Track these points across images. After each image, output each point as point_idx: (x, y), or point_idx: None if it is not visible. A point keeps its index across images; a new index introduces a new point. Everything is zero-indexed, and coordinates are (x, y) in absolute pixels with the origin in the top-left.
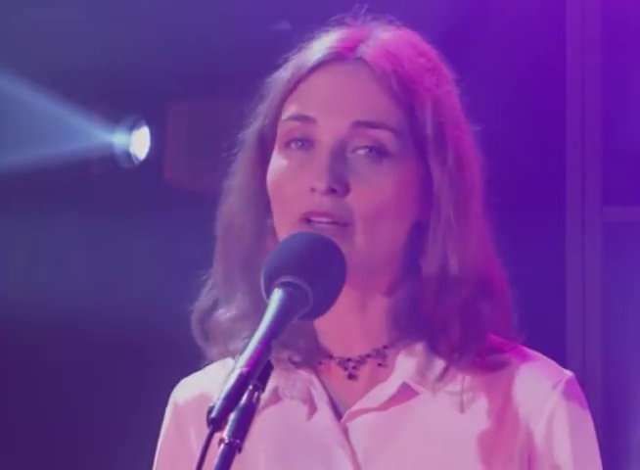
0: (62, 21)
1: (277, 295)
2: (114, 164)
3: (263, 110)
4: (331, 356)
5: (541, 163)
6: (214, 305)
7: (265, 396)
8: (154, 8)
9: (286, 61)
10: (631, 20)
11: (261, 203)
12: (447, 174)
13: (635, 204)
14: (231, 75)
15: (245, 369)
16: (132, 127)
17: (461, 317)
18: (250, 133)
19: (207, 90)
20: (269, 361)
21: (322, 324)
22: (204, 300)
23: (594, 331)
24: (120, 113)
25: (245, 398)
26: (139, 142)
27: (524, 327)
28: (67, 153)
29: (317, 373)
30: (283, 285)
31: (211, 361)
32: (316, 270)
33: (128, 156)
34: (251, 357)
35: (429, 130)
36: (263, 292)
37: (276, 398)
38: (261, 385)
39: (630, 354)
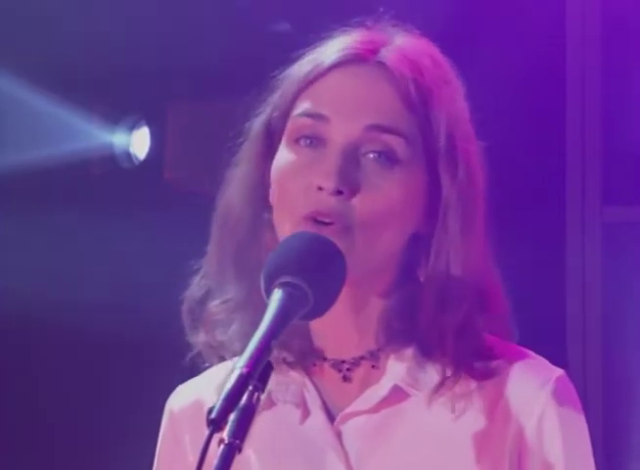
0: (62, 21)
1: (277, 295)
2: (114, 164)
3: (273, 102)
4: (325, 358)
5: (541, 163)
6: (206, 295)
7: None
8: (154, 8)
9: (289, 60)
10: (631, 20)
11: (261, 195)
12: (457, 188)
13: (635, 204)
14: (231, 76)
15: (245, 369)
16: (132, 127)
17: (459, 329)
18: (257, 124)
19: (207, 90)
20: (269, 362)
21: (317, 325)
22: (195, 288)
23: (594, 331)
24: (120, 113)
25: (245, 398)
26: (139, 142)
27: (524, 328)
28: (67, 153)
29: (310, 375)
30: (283, 285)
31: (210, 366)
32: (316, 270)
33: (128, 156)
34: (251, 358)
35: (441, 142)
36: (263, 292)
37: (269, 402)
38: (261, 385)
39: (630, 354)
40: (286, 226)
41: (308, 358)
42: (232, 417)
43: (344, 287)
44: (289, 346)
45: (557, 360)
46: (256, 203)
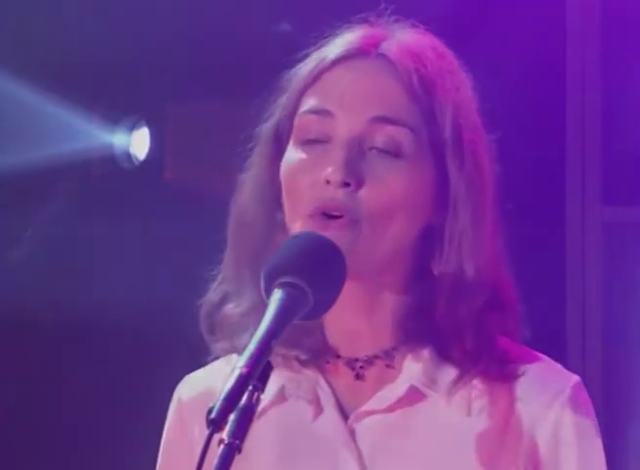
0: (62, 20)
1: (277, 295)
2: (115, 164)
3: (281, 103)
4: (338, 356)
5: (541, 163)
6: (223, 300)
7: (271, 395)
8: (154, 8)
9: (294, 60)
10: (631, 19)
11: (273, 196)
12: (464, 178)
13: (635, 204)
14: (231, 76)
15: (245, 370)
16: (132, 128)
17: (474, 327)
18: (267, 127)
19: (207, 91)
20: (269, 362)
21: (330, 323)
22: (212, 294)
23: (594, 331)
24: (120, 113)
25: (245, 398)
26: (139, 142)
27: (524, 327)
28: (66, 153)
29: (324, 373)
30: (282, 285)
31: (216, 357)
32: (315, 270)
33: (128, 156)
34: (251, 358)
35: (447, 133)
36: (263, 292)
37: (282, 398)
38: (261, 385)
39: (630, 354)
40: (296, 224)
41: (322, 356)
42: (232, 417)
43: (354, 284)
44: (301, 343)
45: (557, 360)
46: (269, 204)
